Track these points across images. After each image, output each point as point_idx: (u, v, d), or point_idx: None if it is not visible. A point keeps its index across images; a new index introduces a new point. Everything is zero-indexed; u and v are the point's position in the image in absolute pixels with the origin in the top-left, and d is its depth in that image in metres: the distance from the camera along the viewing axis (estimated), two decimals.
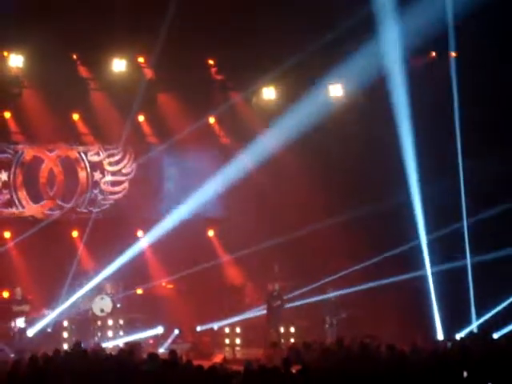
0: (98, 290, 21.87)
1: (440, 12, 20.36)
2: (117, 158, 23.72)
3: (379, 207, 21.23)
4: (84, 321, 21.60)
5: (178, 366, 13.33)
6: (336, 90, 23.39)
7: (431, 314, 21.39)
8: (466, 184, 21.67)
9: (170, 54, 21.50)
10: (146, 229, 23.55)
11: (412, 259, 21.65)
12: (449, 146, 21.82)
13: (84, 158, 23.50)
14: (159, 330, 21.47)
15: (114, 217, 23.50)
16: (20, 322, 20.54)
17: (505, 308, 21.01)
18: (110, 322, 21.75)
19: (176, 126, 23.36)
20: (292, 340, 21.96)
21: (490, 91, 21.51)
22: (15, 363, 14.02)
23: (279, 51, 21.34)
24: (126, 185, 23.76)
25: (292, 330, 22.32)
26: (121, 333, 21.74)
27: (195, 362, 13.60)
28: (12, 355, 17.74)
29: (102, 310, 21.73)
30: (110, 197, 23.69)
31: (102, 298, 21.85)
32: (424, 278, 21.62)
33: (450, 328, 20.34)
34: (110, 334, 21.64)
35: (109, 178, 23.66)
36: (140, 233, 23.69)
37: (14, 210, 22.98)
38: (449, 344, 16.84)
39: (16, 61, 21.63)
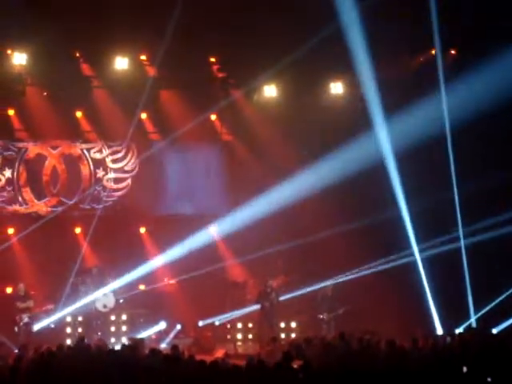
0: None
1: None
2: (120, 155, 23.81)
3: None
4: (93, 317, 21.69)
5: (180, 360, 13.45)
6: (337, 88, 23.49)
7: (429, 309, 21.51)
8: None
9: (173, 52, 21.54)
10: (150, 225, 23.79)
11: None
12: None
13: (87, 155, 23.59)
14: (162, 325, 21.60)
15: (116, 213, 23.61)
16: (25, 318, 20.69)
17: (502, 302, 21.11)
18: (113, 318, 21.92)
19: (178, 123, 23.43)
20: (293, 335, 22.08)
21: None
22: (18, 358, 14.18)
23: (281, 49, 21.39)
24: (128, 182, 23.85)
25: (293, 324, 22.42)
26: (124, 328, 21.87)
27: (197, 357, 13.73)
28: (15, 350, 17.83)
29: (105, 306, 21.87)
30: (113, 194, 23.79)
31: (105, 294, 21.99)
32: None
33: (449, 322, 20.41)
34: (112, 329, 21.79)
35: (112, 175, 23.76)
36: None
37: (17, 206, 23.08)
38: (448, 339, 16.94)
39: (19, 59, 21.65)
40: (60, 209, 23.34)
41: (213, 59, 23.49)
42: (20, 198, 23.06)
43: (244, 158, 24.34)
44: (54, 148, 23.40)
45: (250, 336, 22.17)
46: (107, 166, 23.73)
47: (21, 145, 23.10)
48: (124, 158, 23.84)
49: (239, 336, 22.30)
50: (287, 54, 21.25)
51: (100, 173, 23.66)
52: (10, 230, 22.99)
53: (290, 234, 22.89)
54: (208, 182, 24.42)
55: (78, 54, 22.49)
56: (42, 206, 23.27)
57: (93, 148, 23.68)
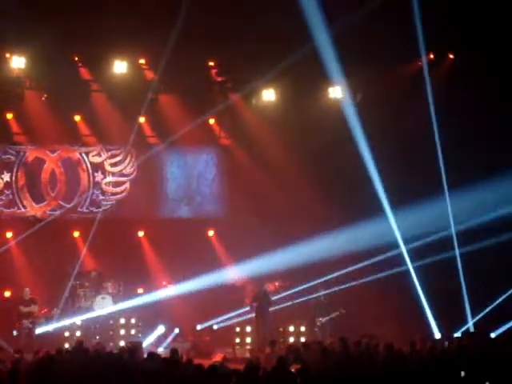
0: None
1: None
2: (118, 158, 23.85)
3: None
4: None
5: (179, 364, 13.45)
6: (336, 92, 23.53)
7: (425, 313, 21.55)
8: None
9: (171, 56, 21.57)
10: (148, 229, 23.82)
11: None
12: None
13: (85, 158, 23.63)
14: (160, 329, 21.61)
15: (115, 217, 23.62)
16: (26, 323, 20.71)
17: (500, 305, 21.16)
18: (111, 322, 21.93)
19: (177, 127, 23.46)
20: (291, 339, 22.09)
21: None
22: (16, 362, 14.18)
23: (279, 53, 21.43)
24: (127, 185, 23.88)
25: (291, 328, 22.42)
26: (122, 332, 21.86)
27: (195, 361, 13.72)
28: (15, 355, 17.82)
29: (104, 310, 21.87)
30: (112, 197, 23.82)
31: (103, 298, 22.00)
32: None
33: (447, 327, 20.44)
34: (110, 333, 21.78)
35: (110, 178, 23.79)
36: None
37: (16, 210, 23.11)
38: (446, 343, 16.95)
39: (18, 62, 21.72)
40: (58, 212, 23.37)
41: (211, 63, 23.54)
42: (18, 202, 23.09)
43: (242, 161, 24.37)
44: (53, 152, 23.43)
45: (249, 340, 22.13)
46: (106, 170, 23.75)
47: (19, 148, 23.15)
48: (122, 161, 23.87)
49: (237, 340, 22.26)
50: (286, 57, 21.30)
51: (98, 176, 23.69)
52: (9, 234, 23.04)
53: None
54: (206, 186, 24.45)
55: (76, 58, 22.54)
56: (40, 210, 23.29)
57: (91, 152, 23.71)
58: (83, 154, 23.64)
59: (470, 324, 21.14)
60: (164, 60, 21.72)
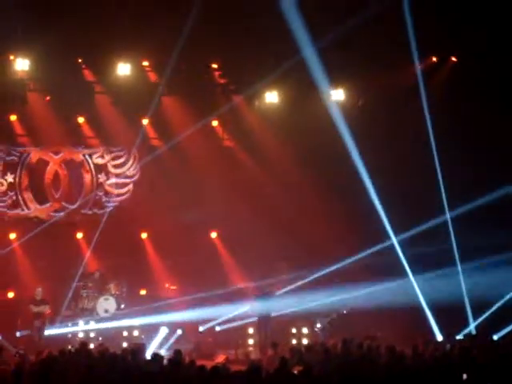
0: None
1: None
2: (121, 160, 23.89)
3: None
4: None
5: (181, 366, 13.48)
6: (338, 95, 23.55)
7: (428, 316, 21.58)
8: None
9: (174, 58, 21.61)
10: (151, 230, 23.85)
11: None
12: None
13: (89, 160, 23.67)
14: (163, 330, 21.62)
15: (118, 219, 23.66)
16: (36, 323, 20.78)
17: (503, 308, 21.17)
18: None
19: (180, 129, 23.50)
20: (293, 341, 22.10)
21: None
22: (19, 363, 14.22)
23: (282, 55, 21.47)
24: (130, 187, 23.93)
25: (293, 330, 22.43)
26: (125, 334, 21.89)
27: (198, 363, 13.75)
28: (16, 355, 17.88)
29: (107, 311, 21.93)
30: (115, 199, 23.87)
31: (106, 299, 22.05)
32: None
33: (449, 329, 20.43)
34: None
35: (113, 180, 23.84)
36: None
37: (19, 211, 23.17)
38: (448, 346, 16.97)
39: (22, 64, 21.78)
40: (62, 214, 23.41)
41: (214, 65, 23.58)
42: (22, 203, 23.13)
43: (245, 163, 24.40)
44: (56, 153, 23.48)
45: (251, 341, 22.15)
46: (109, 172, 23.80)
47: (23, 150, 23.18)
48: (125, 163, 23.91)
49: (240, 341, 22.26)
50: (289, 60, 21.33)
51: (102, 178, 23.74)
52: (12, 235, 23.06)
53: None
54: (209, 188, 24.46)
55: (80, 60, 22.58)
56: (43, 211, 23.34)
57: (95, 153, 23.76)
58: (86, 156, 23.69)
59: (472, 327, 21.14)
60: (167, 62, 21.79)
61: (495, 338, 18.93)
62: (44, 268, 22.27)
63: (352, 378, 12.31)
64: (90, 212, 23.68)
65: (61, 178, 23.45)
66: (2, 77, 21.87)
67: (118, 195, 23.86)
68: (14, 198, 23.07)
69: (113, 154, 23.85)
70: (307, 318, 22.02)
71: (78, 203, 23.54)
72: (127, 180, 23.94)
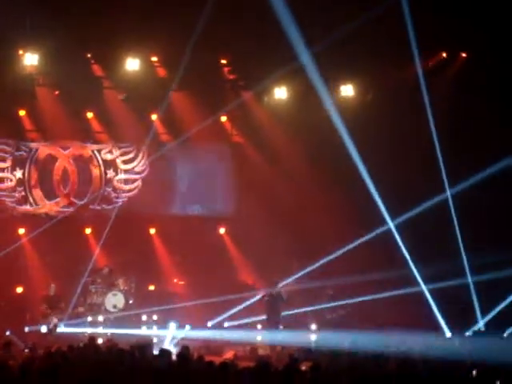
0: None
1: None
2: (130, 156, 23.88)
3: None
4: None
5: (190, 362, 13.46)
6: (347, 90, 23.51)
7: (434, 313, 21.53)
8: None
9: (183, 54, 21.58)
10: (160, 226, 23.85)
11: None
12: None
13: (97, 156, 23.67)
14: (172, 326, 21.60)
15: (126, 214, 23.65)
16: (53, 319, 20.81)
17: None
18: None
19: (188, 125, 23.49)
20: None
21: None
22: (27, 358, 14.22)
23: (291, 51, 21.40)
24: (139, 183, 23.92)
25: None
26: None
27: (206, 359, 13.72)
28: (26, 350, 17.89)
29: (115, 306, 21.94)
30: (124, 194, 23.87)
31: (115, 294, 22.05)
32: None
33: (458, 325, 20.39)
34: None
35: (122, 176, 23.83)
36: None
37: (28, 207, 23.18)
38: (456, 342, 16.91)
39: (31, 59, 21.78)
40: (70, 209, 23.42)
41: (223, 61, 23.55)
42: (31, 199, 23.15)
43: (254, 159, 24.38)
44: (65, 149, 23.48)
45: (259, 338, 22.11)
46: (117, 167, 23.79)
47: (32, 145, 23.19)
48: (134, 159, 23.90)
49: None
50: (298, 55, 21.24)
51: (110, 174, 23.73)
52: (21, 231, 23.08)
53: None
54: (218, 184, 24.45)
55: (89, 55, 22.57)
56: (52, 207, 23.35)
57: (103, 149, 23.75)
58: (95, 151, 23.69)
59: (481, 324, 21.06)
60: (176, 57, 21.76)
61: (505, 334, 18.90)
62: (52, 264, 22.29)
63: (361, 374, 12.25)
64: (98, 207, 23.67)
65: (69, 174, 23.45)
66: (11, 72, 21.84)
67: (127, 191, 23.84)
68: (23, 193, 23.08)
69: (121, 150, 23.84)
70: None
71: (86, 199, 23.54)
72: (136, 176, 23.92)
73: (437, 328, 20.93)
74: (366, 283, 21.47)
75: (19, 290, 22.33)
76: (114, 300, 21.98)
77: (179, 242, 23.35)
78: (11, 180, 22.95)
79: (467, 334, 19.18)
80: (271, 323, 21.05)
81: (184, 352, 14.15)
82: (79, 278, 22.07)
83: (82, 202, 23.51)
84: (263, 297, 21.48)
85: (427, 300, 21.48)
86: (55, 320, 20.90)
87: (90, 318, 21.68)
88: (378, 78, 22.92)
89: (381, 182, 21.78)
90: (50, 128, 23.07)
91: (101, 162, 23.67)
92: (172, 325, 21.56)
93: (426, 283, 21.55)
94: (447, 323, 21.06)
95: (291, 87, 23.54)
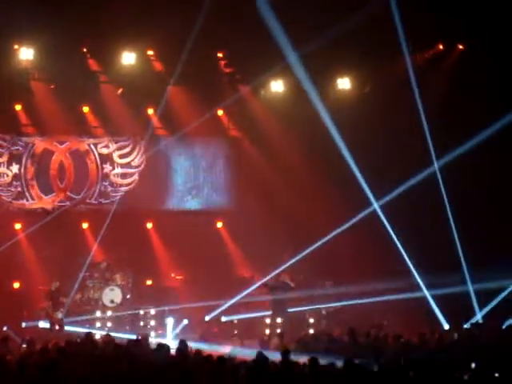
0: None
1: None
2: (126, 150, 23.82)
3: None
4: None
5: (187, 355, 13.46)
6: (344, 84, 23.47)
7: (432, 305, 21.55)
8: None
9: (180, 48, 21.52)
10: (156, 220, 23.82)
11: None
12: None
13: (94, 150, 23.62)
14: (170, 320, 21.60)
15: (123, 209, 23.60)
16: (59, 314, 20.81)
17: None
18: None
19: (185, 119, 23.45)
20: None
21: None
22: (24, 353, 14.21)
23: (288, 44, 21.35)
24: (135, 177, 23.86)
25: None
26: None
27: (204, 353, 13.70)
28: (23, 345, 17.86)
29: (112, 301, 21.90)
30: (120, 189, 23.82)
31: (112, 289, 22.02)
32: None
33: (456, 318, 20.37)
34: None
35: (118, 170, 23.78)
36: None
37: (24, 201, 23.13)
38: (455, 335, 16.91)
39: (26, 54, 21.70)
40: (67, 204, 23.37)
41: (220, 54, 23.49)
42: (27, 194, 23.10)
43: (251, 153, 24.34)
44: (61, 143, 23.43)
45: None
46: (114, 162, 23.74)
47: (28, 140, 23.14)
48: (131, 153, 23.85)
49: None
50: (295, 49, 21.20)
51: (107, 168, 23.68)
52: (18, 226, 23.03)
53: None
54: (215, 178, 24.42)
55: (85, 50, 22.50)
56: (49, 201, 23.30)
57: (100, 143, 23.70)
58: (91, 146, 23.63)
59: (479, 316, 21.05)
60: (172, 51, 21.70)
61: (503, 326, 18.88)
62: (49, 258, 22.25)
63: (358, 367, 12.23)
64: (95, 202, 23.63)
65: (66, 168, 23.40)
66: (7, 66, 21.77)
67: (124, 185, 23.79)
68: (20, 188, 23.02)
69: (118, 144, 23.79)
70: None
71: (83, 193, 23.49)
72: (133, 170, 23.87)
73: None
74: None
75: (16, 285, 22.28)
76: (112, 295, 21.95)
77: (176, 236, 23.30)
78: (7, 175, 22.90)
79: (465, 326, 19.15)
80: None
81: (182, 345, 14.15)
82: (76, 272, 22.03)
83: (79, 197, 23.46)
84: (265, 286, 21.40)
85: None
86: (60, 315, 20.86)
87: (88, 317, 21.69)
88: (375, 71, 22.87)
89: (377, 176, 21.77)
90: (46, 122, 23.00)
91: (97, 156, 23.61)
92: (170, 319, 21.57)
93: (419, 274, 21.63)
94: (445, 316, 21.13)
95: (288, 80, 23.48)
